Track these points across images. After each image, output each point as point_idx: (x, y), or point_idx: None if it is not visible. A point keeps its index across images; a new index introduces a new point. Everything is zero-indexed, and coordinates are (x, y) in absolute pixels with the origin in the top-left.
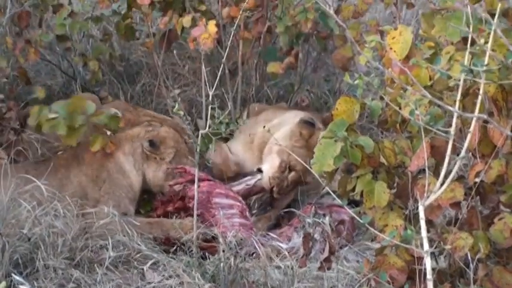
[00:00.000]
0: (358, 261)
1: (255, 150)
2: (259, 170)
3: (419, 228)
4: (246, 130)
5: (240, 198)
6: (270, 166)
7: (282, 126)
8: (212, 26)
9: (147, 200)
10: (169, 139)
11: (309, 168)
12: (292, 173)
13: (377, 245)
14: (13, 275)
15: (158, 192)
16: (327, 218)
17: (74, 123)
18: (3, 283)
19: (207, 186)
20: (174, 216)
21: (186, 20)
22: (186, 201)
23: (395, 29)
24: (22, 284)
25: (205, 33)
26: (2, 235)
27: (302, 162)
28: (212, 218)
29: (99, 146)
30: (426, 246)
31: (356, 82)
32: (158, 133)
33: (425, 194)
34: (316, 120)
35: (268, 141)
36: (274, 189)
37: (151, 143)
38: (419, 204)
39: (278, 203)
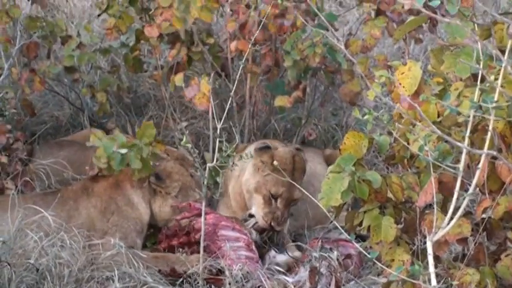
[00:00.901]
0: None
1: (238, 210)
2: (251, 216)
3: (427, 263)
4: (222, 201)
5: (246, 231)
6: (257, 206)
7: (245, 167)
8: (205, 84)
9: (152, 233)
10: (175, 173)
11: (294, 184)
12: (279, 200)
13: (383, 280)
14: None
15: (163, 226)
16: (335, 252)
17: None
18: None
19: (213, 219)
20: (180, 250)
21: (178, 78)
22: (191, 236)
23: (404, 64)
24: None
25: (200, 92)
26: (10, 265)
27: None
28: (218, 250)
29: (143, 175)
30: (434, 281)
31: (365, 117)
32: (164, 167)
33: (433, 230)
34: (269, 142)
35: (241, 190)
36: (273, 224)
37: (157, 176)
38: (427, 239)
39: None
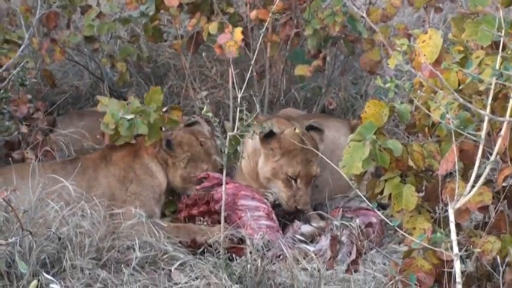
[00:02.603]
0: (384, 264)
1: (252, 182)
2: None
3: (448, 231)
4: (237, 170)
5: (266, 201)
6: (278, 191)
7: (258, 151)
8: (238, 33)
9: (172, 201)
10: (184, 144)
11: (323, 153)
12: (298, 180)
13: (404, 248)
14: (44, 273)
15: (183, 195)
16: (357, 220)
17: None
18: (35, 282)
19: (232, 189)
20: (200, 219)
21: (213, 26)
22: (211, 205)
23: (425, 32)
24: (52, 282)
25: (231, 40)
26: (32, 234)
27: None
28: (238, 219)
29: (152, 142)
30: (456, 249)
31: (387, 85)
32: (175, 136)
33: (455, 198)
34: (273, 124)
35: (255, 168)
36: (298, 206)
37: (168, 143)
38: (448, 207)
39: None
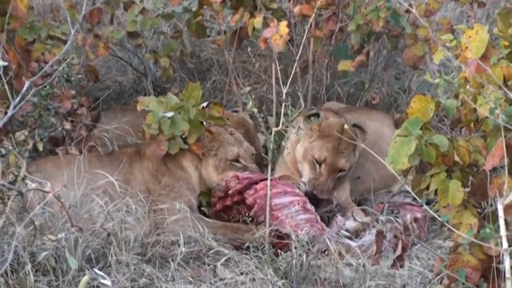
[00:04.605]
0: (429, 259)
1: (295, 171)
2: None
3: (497, 226)
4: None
5: (298, 191)
6: (305, 174)
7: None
8: (283, 27)
9: (205, 193)
10: (213, 134)
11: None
12: (323, 166)
13: (449, 244)
14: (92, 269)
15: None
16: (408, 215)
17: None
18: (86, 277)
19: (264, 189)
20: (236, 209)
21: (258, 21)
22: (245, 196)
23: (471, 28)
24: (103, 278)
25: (277, 34)
26: (81, 229)
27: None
28: (276, 220)
29: (195, 138)
30: (505, 244)
31: (436, 81)
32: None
33: (504, 193)
34: (324, 113)
35: (292, 157)
36: (315, 191)
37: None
38: (498, 203)
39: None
